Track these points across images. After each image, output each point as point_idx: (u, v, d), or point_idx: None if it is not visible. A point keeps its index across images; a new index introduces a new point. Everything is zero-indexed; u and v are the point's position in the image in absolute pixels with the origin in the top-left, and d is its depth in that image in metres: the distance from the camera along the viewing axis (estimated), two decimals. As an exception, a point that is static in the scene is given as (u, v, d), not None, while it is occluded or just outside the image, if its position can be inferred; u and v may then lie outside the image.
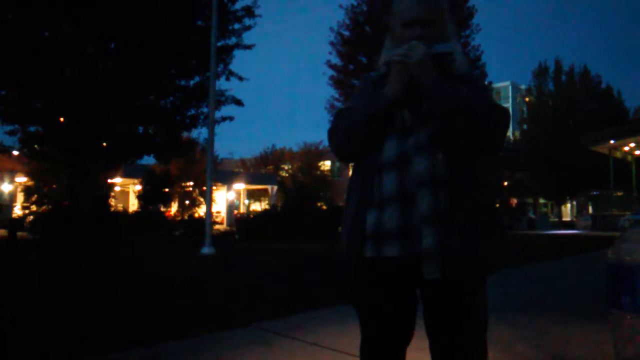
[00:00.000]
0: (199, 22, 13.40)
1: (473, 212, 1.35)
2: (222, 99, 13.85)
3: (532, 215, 33.09)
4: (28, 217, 15.67)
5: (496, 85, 47.90)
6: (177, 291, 5.23)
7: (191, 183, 26.52)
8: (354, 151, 1.50)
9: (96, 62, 12.36)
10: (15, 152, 14.09)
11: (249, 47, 14.23)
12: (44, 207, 15.88)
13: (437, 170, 1.35)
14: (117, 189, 24.64)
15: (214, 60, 10.94)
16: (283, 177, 40.77)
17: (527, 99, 39.80)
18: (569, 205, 44.10)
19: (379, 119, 1.41)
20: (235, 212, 30.98)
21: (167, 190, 16.69)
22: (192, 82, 14.13)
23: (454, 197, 1.34)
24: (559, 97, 35.93)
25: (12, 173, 24.47)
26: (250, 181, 35.09)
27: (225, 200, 32.40)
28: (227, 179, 31.87)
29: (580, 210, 30.60)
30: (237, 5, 13.82)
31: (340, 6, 20.96)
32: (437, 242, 1.31)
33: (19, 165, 20.89)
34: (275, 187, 34.57)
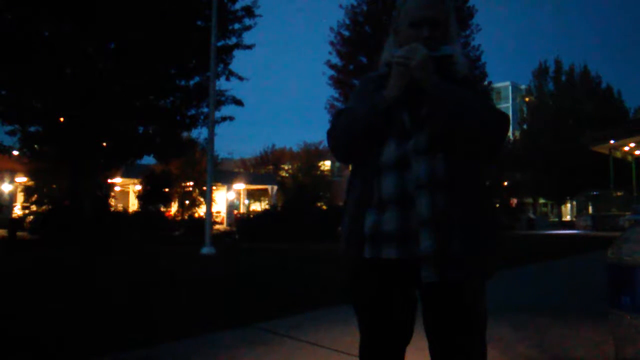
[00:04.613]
0: (199, 22, 13.41)
1: (472, 215, 1.35)
2: (222, 99, 13.87)
3: (532, 215, 33.10)
4: (28, 217, 15.69)
5: (496, 85, 47.88)
6: (176, 291, 5.23)
7: (191, 183, 26.52)
8: (353, 152, 1.49)
9: (96, 61, 12.37)
10: (15, 152, 14.10)
11: (249, 47, 14.26)
12: (44, 207, 15.88)
13: (436, 173, 1.35)
14: (117, 189, 24.63)
15: (214, 60, 10.94)
16: (283, 177, 40.80)
17: (527, 99, 39.83)
18: (569, 205, 44.10)
19: (379, 120, 1.41)
20: (235, 212, 30.97)
21: (167, 190, 16.68)
22: (192, 82, 14.15)
23: (453, 200, 1.34)
24: (559, 97, 35.98)
25: (12, 173, 24.46)
26: (250, 181, 35.07)
27: (225, 200, 32.39)
28: (227, 179, 31.85)
29: (580, 210, 30.55)
30: (237, 5, 13.86)
31: (340, 6, 20.99)
32: (435, 245, 1.31)
33: (19, 165, 20.88)
34: (275, 187, 34.58)
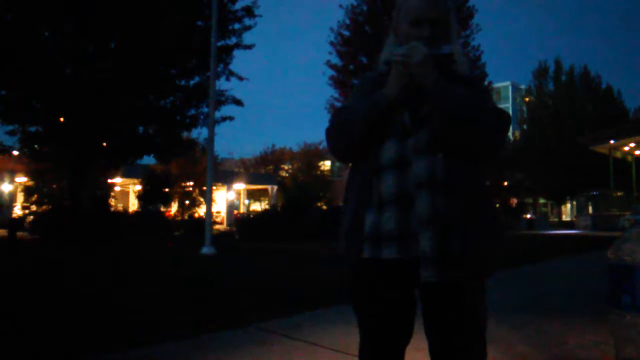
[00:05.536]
0: (199, 22, 13.42)
1: (472, 215, 1.34)
2: (222, 99, 13.88)
3: (532, 215, 33.10)
4: (28, 217, 15.70)
5: (496, 85, 47.85)
6: (176, 291, 5.23)
7: (191, 183, 26.56)
8: (353, 151, 1.48)
9: (96, 61, 12.38)
10: (15, 152, 14.10)
11: (249, 47, 14.28)
12: (44, 207, 15.90)
13: (437, 172, 1.34)
14: (117, 189, 24.65)
15: (214, 60, 10.94)
16: (283, 177, 40.83)
17: (527, 99, 39.80)
18: (569, 205, 44.07)
19: (378, 119, 1.40)
20: (235, 212, 30.99)
21: (167, 190, 16.72)
22: (192, 82, 14.17)
23: (453, 200, 1.33)
24: (559, 97, 35.93)
25: (12, 173, 24.48)
26: (250, 181, 35.11)
27: (225, 200, 32.42)
28: (227, 179, 31.89)
29: (580, 210, 30.56)
30: (237, 5, 13.88)
31: (340, 6, 21.00)
32: (434, 245, 1.30)
33: (19, 165, 20.90)
34: (275, 187, 34.62)
